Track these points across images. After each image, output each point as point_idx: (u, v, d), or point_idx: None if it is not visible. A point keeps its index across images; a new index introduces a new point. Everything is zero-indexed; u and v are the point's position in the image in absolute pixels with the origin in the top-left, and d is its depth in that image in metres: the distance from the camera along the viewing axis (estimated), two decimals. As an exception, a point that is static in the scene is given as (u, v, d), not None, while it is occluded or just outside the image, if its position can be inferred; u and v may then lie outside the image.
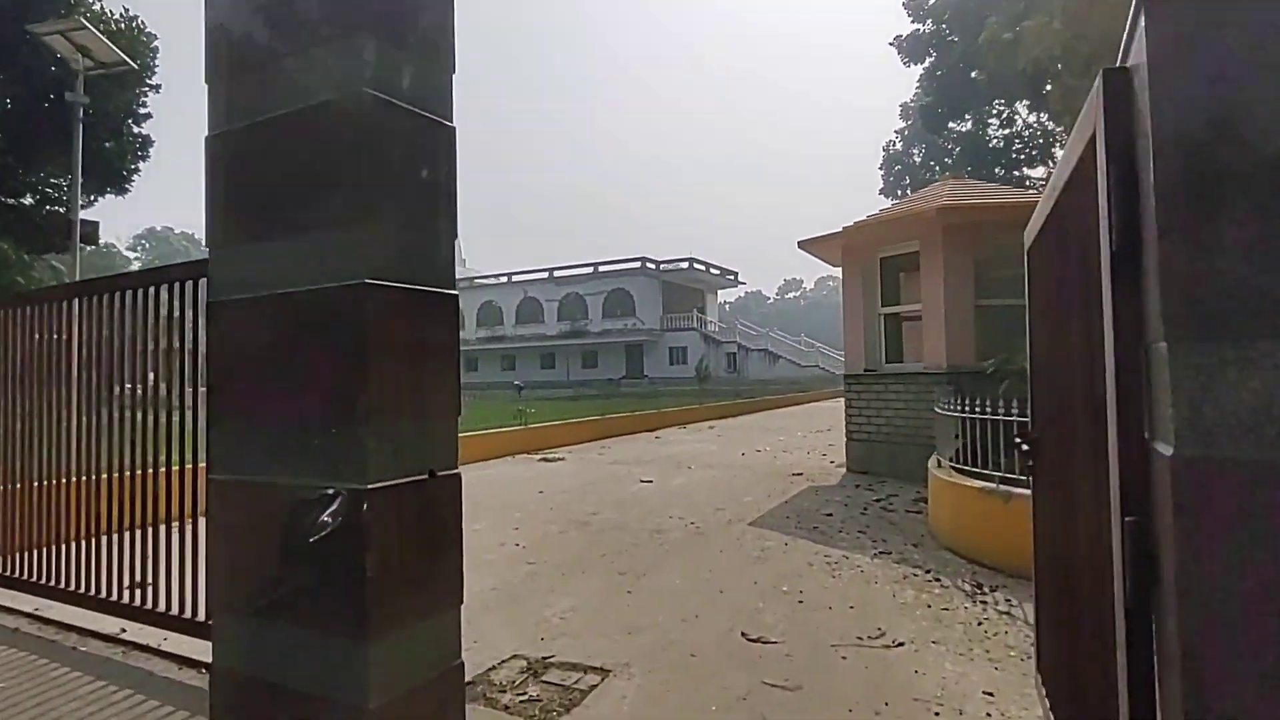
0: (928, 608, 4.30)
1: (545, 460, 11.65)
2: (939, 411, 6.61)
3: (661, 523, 6.82)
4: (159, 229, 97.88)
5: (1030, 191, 12.35)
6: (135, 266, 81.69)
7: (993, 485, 5.17)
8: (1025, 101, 29.75)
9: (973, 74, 32.99)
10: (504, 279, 63.69)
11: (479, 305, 63.35)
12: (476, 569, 5.28)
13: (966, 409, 5.86)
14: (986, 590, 4.60)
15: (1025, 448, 2.88)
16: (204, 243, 2.77)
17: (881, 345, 9.78)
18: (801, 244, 10.19)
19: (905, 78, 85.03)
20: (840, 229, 9.83)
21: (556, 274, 60.21)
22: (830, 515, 7.00)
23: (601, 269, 58.01)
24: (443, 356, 2.47)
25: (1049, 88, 18.18)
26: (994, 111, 34.91)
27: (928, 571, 5.04)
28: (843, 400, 10.46)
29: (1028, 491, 5.01)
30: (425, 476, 2.43)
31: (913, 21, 33.57)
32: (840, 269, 11.08)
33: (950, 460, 6.30)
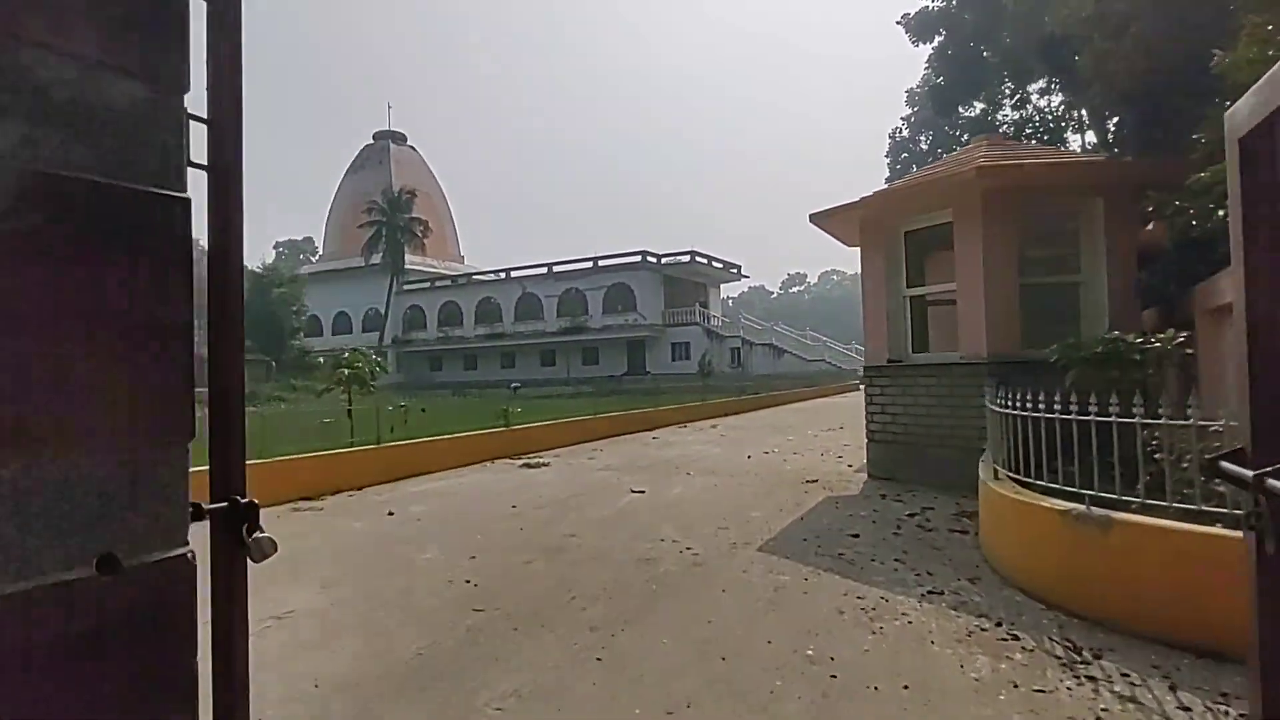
0: (1013, 687, 3.06)
1: (528, 466, 10.41)
2: (994, 409, 5.36)
3: (651, 548, 5.58)
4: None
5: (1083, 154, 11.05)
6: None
7: (1082, 508, 3.92)
8: (1041, 81, 28.34)
9: (984, 52, 31.67)
10: (502, 275, 62.46)
11: (477, 301, 62.20)
12: (406, 620, 4.06)
13: (1030, 406, 4.61)
14: (1088, 657, 3.35)
15: (1240, 475, 1.63)
16: None
17: (908, 333, 8.52)
18: (814, 217, 8.92)
19: (911, 63, 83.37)
20: (858, 199, 8.57)
21: (556, 269, 58.99)
22: (857, 537, 5.75)
23: (601, 263, 56.76)
24: (158, 327, 1.23)
25: (1077, 57, 16.81)
26: (1006, 92, 33.51)
27: (998, 624, 3.79)
28: (854, 395, 9.24)
29: (1138, 518, 3.81)
30: (87, 573, 1.18)
31: (920, -3, 32.12)
32: (858, 247, 9.85)
33: (1005, 467, 5.06)
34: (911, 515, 6.48)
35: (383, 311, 59.69)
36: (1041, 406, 4.55)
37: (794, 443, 12.76)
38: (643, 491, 8.08)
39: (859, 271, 10.70)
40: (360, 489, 8.70)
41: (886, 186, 8.32)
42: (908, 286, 8.53)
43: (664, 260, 55.33)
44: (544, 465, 10.50)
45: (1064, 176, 7.62)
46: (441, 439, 10.39)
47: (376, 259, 58.07)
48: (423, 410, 11.39)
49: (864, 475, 8.80)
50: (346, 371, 11.06)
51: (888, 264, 8.58)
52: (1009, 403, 4.98)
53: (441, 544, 5.90)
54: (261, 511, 1.18)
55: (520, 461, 10.92)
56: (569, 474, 9.70)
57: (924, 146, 42.14)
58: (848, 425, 15.69)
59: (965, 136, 40.21)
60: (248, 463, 1.18)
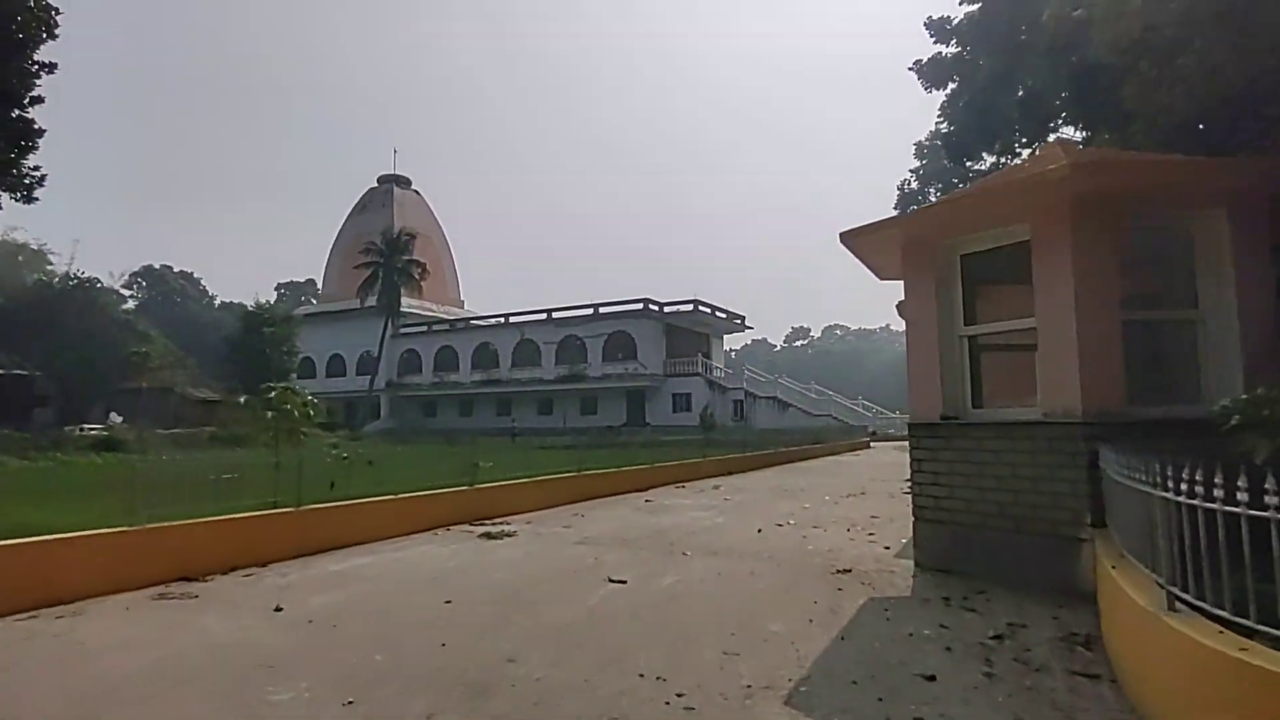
0: None
1: (488, 536, 8.49)
2: (1145, 489, 3.48)
3: (623, 693, 3.67)
4: (157, 267, 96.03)
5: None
6: (131, 305, 79.69)
7: None
8: (1067, 128, 27.14)
9: (999, 100, 30.67)
10: (500, 320, 61.13)
11: (474, 347, 60.76)
12: None
13: (1223, 495, 2.79)
14: None
15: None
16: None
17: (966, 383, 6.72)
18: (846, 236, 7.20)
19: (919, 116, 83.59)
20: (900, 214, 6.89)
21: (555, 316, 57.69)
22: (933, 680, 3.84)
23: (602, 311, 55.45)
24: None
25: (1120, 90, 15.39)
26: (1024, 140, 32.42)
27: None
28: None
29: None
30: None
31: (935, 42, 31.20)
32: (895, 281, 8.16)
33: (1176, 582, 3.17)
34: (998, 638, 4.56)
35: (376, 354, 58.03)
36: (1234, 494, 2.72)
37: (811, 512, 10.83)
38: (624, 581, 6.16)
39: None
40: (264, 565, 6.79)
41: (936, 201, 6.58)
42: (966, 323, 6.76)
43: (666, 309, 54.00)
44: (508, 535, 8.58)
45: (1184, 177, 5.91)
46: (385, 500, 8.49)
47: (372, 301, 56.72)
48: (369, 463, 9.56)
49: (909, 564, 6.89)
50: (271, 414, 9.27)
51: (939, 296, 6.82)
52: (1175, 484, 3.14)
53: (318, 671, 3.99)
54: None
55: (482, 529, 8.99)
56: (536, 549, 7.78)
57: (933, 198, 41.18)
58: (870, 491, 13.75)
59: (975, 191, 39.41)
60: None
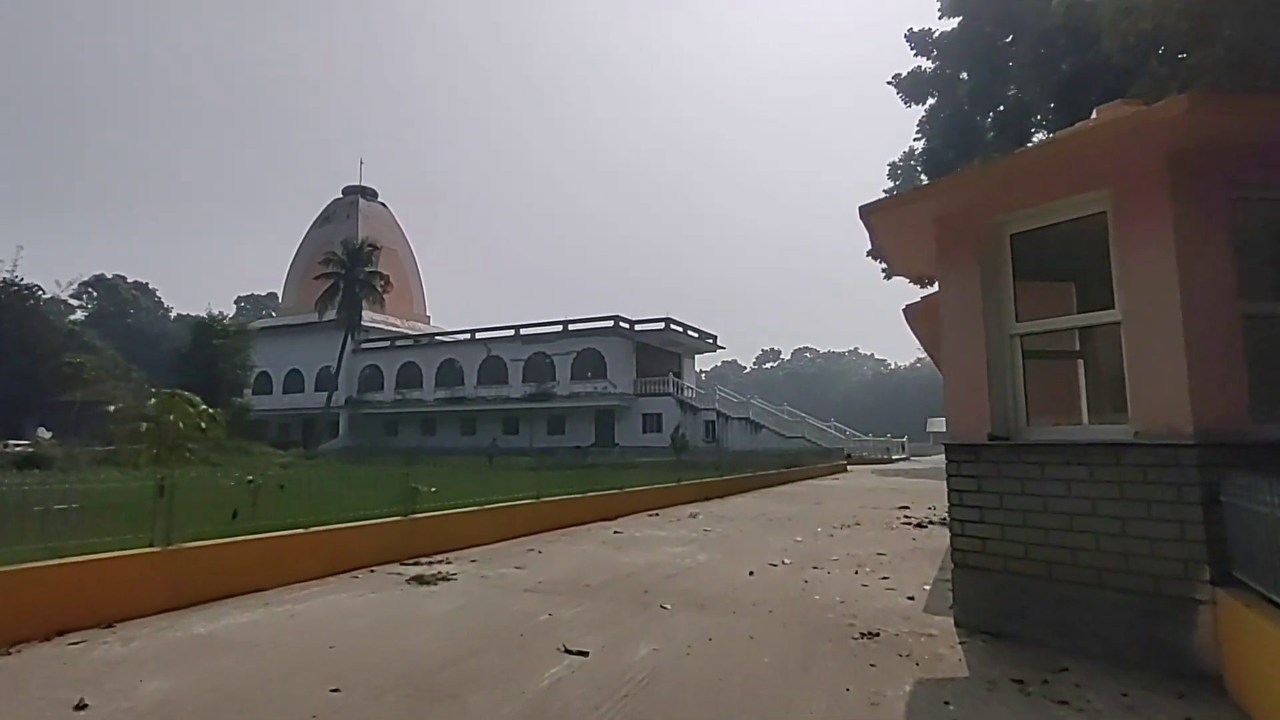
0: None
1: (419, 581, 6.87)
2: None
3: None
4: (109, 276, 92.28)
5: None
6: (80, 316, 76.07)
7: None
8: (1046, 134, 26.55)
9: (978, 116, 30.10)
10: (466, 336, 59.19)
11: (439, 363, 58.68)
12: None
13: None
14: None
15: None
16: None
17: (1019, 393, 5.34)
18: (867, 211, 5.80)
19: (896, 134, 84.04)
20: (935, 182, 5.55)
21: (523, 332, 55.94)
22: None
23: (571, 328, 53.88)
24: None
25: (1133, 85, 14.42)
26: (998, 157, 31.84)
27: None
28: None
29: None
30: None
31: (915, 54, 30.65)
32: (916, 274, 6.82)
33: None
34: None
35: (335, 370, 55.67)
36: None
37: (806, 548, 9.37)
38: (585, 653, 4.60)
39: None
40: (111, 625, 5.12)
41: (982, 162, 5.24)
42: (1019, 319, 5.41)
43: (637, 327, 52.61)
44: (445, 579, 6.97)
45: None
46: (291, 535, 6.84)
47: (332, 314, 54.45)
48: (281, 487, 7.89)
49: (946, 622, 5.46)
50: (146, 425, 7.58)
51: (985, 285, 5.46)
52: None
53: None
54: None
55: (415, 570, 7.37)
56: (476, 599, 6.19)
57: (907, 220, 40.57)
58: (864, 521, 12.35)
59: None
60: None
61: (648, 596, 6.30)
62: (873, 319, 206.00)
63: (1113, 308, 4.78)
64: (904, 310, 9.45)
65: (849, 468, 35.45)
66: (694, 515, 13.19)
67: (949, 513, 5.58)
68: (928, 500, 16.69)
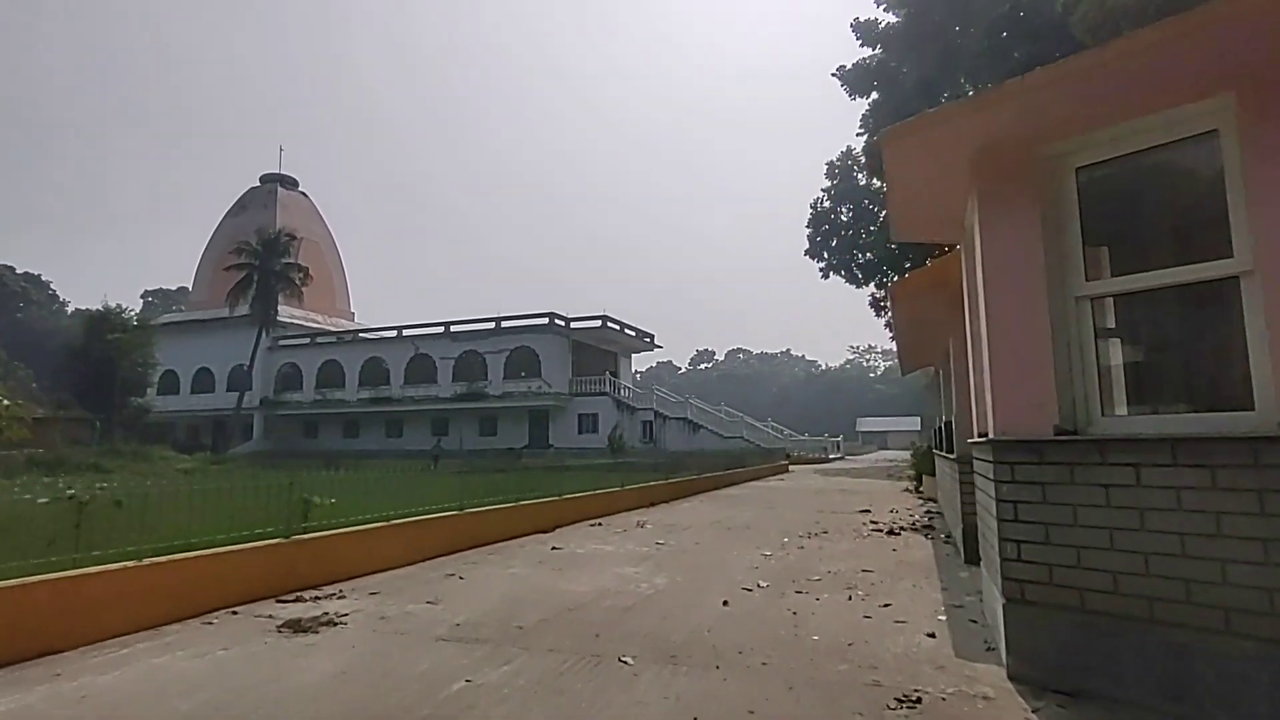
0: None
1: (295, 627, 5.17)
2: None
3: None
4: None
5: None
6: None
7: None
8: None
9: (925, 107, 29.66)
10: (393, 333, 56.25)
11: (363, 361, 55.50)
12: None
13: None
14: None
15: None
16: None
17: (1092, 374, 4.09)
18: (892, 136, 4.46)
19: (841, 135, 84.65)
20: (975, 97, 4.25)
21: (453, 329, 53.40)
22: None
23: (504, 325, 51.74)
24: None
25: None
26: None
27: None
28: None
29: None
30: None
31: (861, 45, 30.04)
32: (971, 210, 5.60)
33: None
34: None
35: (248, 368, 52.00)
36: None
37: (778, 564, 8.03)
38: (517, 758, 3.09)
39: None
40: None
41: (1035, 72, 3.92)
42: (1089, 278, 4.15)
43: (573, 325, 50.92)
44: (331, 623, 5.29)
45: None
46: (107, 572, 5.04)
47: (245, 308, 50.81)
48: (118, 504, 6.01)
49: (997, 673, 4.15)
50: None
51: (1046, 234, 4.19)
52: None
53: None
54: None
55: (293, 610, 5.67)
56: (366, 656, 4.56)
57: (844, 219, 40.40)
58: (830, 529, 11.13)
59: (884, 212, 38.87)
60: None
61: (601, 643, 4.80)
62: (805, 320, 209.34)
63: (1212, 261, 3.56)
64: (889, 289, 8.28)
65: (790, 468, 34.70)
66: (642, 524, 11.73)
67: (997, 528, 4.27)
68: (884, 502, 15.73)
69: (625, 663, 4.37)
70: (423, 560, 7.95)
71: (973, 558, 7.82)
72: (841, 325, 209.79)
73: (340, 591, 6.35)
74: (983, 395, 5.41)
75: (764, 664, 4.36)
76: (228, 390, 56.80)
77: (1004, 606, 4.17)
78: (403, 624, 5.31)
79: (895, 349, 14.01)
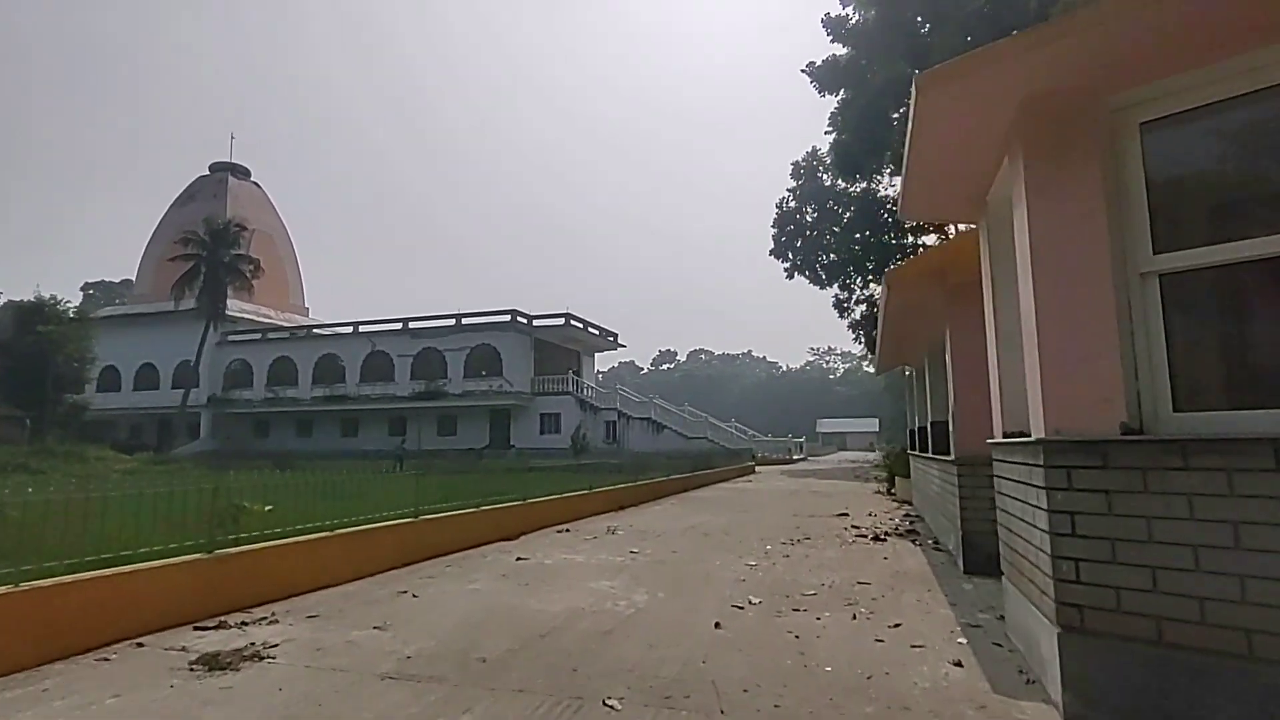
0: None
1: (209, 664, 4.28)
2: None
3: None
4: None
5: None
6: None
7: None
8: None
9: (892, 113, 29.57)
10: (348, 329, 54.48)
11: (317, 358, 53.60)
12: None
13: None
14: None
15: None
16: None
17: (1162, 364, 3.49)
18: (928, 82, 3.80)
19: (801, 136, 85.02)
20: (1030, 31, 3.62)
21: (412, 326, 51.92)
22: None
23: (465, 322, 50.47)
24: None
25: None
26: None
27: None
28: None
29: None
30: None
31: (832, 40, 29.74)
32: (1012, 172, 4.99)
33: None
34: None
35: (194, 363, 49.83)
36: None
37: (766, 576, 7.37)
38: None
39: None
40: None
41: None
42: (1157, 250, 3.55)
43: (535, 323, 49.91)
44: (255, 657, 4.44)
45: None
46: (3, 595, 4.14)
47: (191, 301, 48.64)
48: (2, 514, 5.09)
49: (1040, 709, 3.54)
50: None
51: (1109, 200, 3.59)
52: None
53: None
54: None
55: (212, 639, 4.81)
56: (294, 702, 3.74)
57: (809, 219, 40.25)
58: (812, 535, 10.54)
59: (847, 214, 38.88)
60: None
61: (580, 680, 4.05)
62: (767, 322, 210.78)
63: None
64: (887, 275, 7.66)
65: (757, 469, 34.30)
66: (612, 530, 10.99)
67: (1050, 544, 3.64)
68: (859, 505, 15.26)
69: (612, 707, 3.63)
70: (372, 574, 7.09)
71: (975, 568, 7.29)
72: (803, 327, 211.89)
73: (273, 615, 5.48)
74: (1008, 390, 4.82)
75: (776, 706, 3.67)
76: (173, 387, 54.38)
77: (1059, 636, 3.55)
78: (343, 657, 4.49)
79: (875, 346, 13.51)
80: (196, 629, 5.04)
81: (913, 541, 9.71)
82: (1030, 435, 4.02)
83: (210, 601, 5.37)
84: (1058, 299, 3.72)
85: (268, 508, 7.12)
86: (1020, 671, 4.20)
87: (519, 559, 8.21)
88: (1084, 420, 3.56)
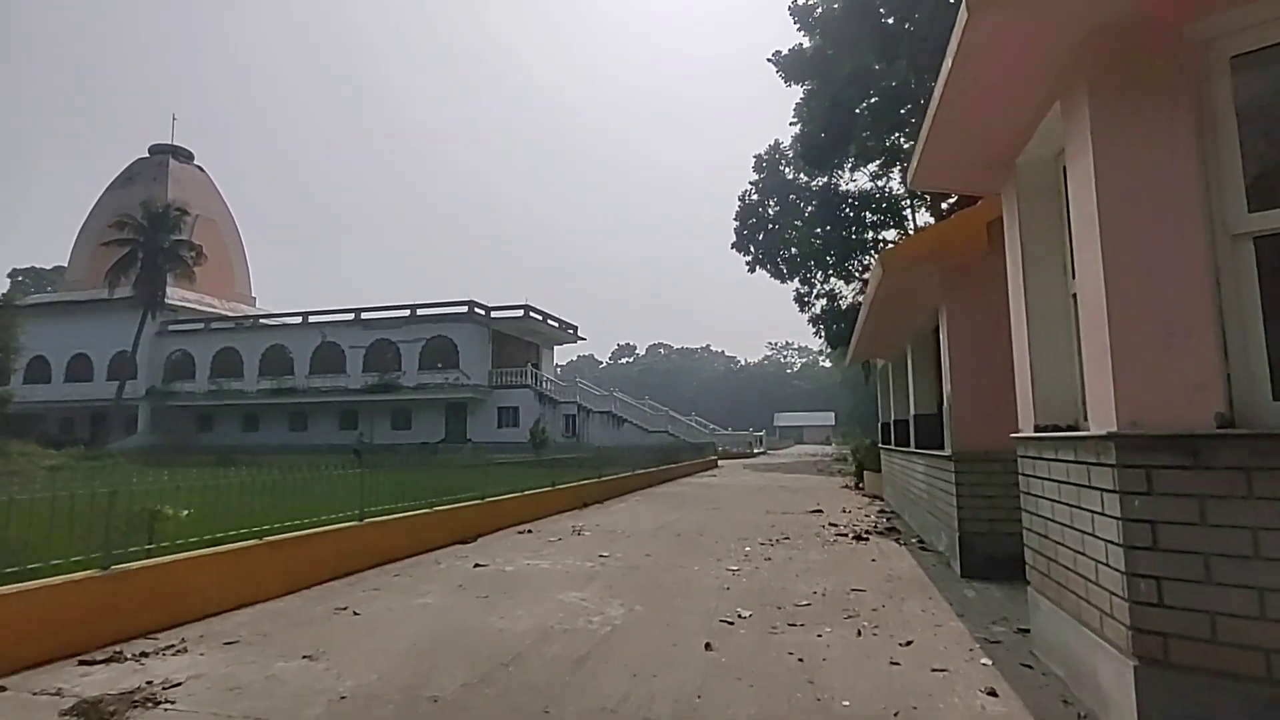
0: None
1: (90, 712, 3.48)
2: None
3: None
4: None
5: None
6: None
7: None
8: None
9: (858, 105, 29.27)
10: (297, 319, 52.46)
11: (264, 350, 51.51)
12: None
13: None
14: None
15: None
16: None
17: (1260, 344, 2.91)
18: (975, 3, 3.19)
19: (764, 131, 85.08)
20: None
21: (364, 316, 50.24)
22: None
23: (420, 313, 48.97)
24: None
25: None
26: (883, 146, 31.29)
27: None
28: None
29: None
30: None
31: (799, 29, 29.31)
32: (1079, 116, 4.39)
33: None
34: None
35: (131, 353, 47.39)
36: None
37: (751, 582, 6.73)
38: None
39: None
40: None
41: None
42: (1251, 209, 2.97)
43: (494, 314, 48.69)
44: (151, 703, 3.59)
45: None
46: None
47: (128, 289, 46.17)
48: None
49: (1123, 763, 2.93)
50: None
51: (1197, 149, 3.00)
52: None
53: None
54: None
55: (100, 677, 3.94)
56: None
57: (771, 212, 39.99)
58: (790, 534, 9.96)
59: (809, 208, 38.71)
60: None
61: (552, 725, 3.33)
62: (726, 317, 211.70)
63: None
64: (882, 256, 7.08)
65: (719, 463, 33.87)
66: (578, 530, 10.25)
67: (1125, 561, 3.03)
68: (830, 500, 14.80)
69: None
70: (308, 587, 6.24)
71: (973, 572, 6.77)
72: (763, 321, 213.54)
73: (182, 642, 4.61)
74: (1045, 379, 4.23)
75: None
76: (108, 379, 51.68)
77: (1136, 670, 2.94)
78: (261, 699, 3.68)
79: (852, 336, 13.00)
80: (83, 663, 4.16)
81: (897, 541, 9.20)
82: (1085, 429, 3.43)
83: (105, 628, 4.49)
84: (1134, 267, 3.11)
85: (186, 512, 6.21)
86: (1066, 703, 3.61)
87: (477, 565, 7.41)
88: (1168, 411, 2.96)
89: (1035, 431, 4.26)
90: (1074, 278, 4.11)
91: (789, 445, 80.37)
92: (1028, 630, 4.86)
